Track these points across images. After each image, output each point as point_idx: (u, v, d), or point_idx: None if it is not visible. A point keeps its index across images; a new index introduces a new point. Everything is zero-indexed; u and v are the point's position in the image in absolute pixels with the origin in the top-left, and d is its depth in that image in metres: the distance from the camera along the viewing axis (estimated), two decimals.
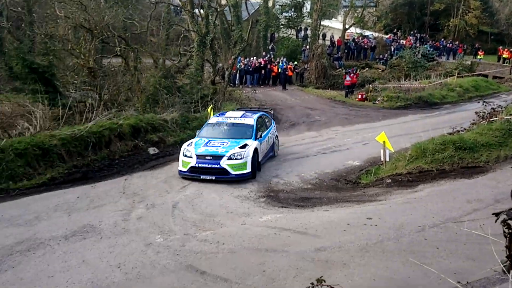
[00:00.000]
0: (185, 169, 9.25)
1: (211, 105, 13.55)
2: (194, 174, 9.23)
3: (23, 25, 20.62)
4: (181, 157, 9.44)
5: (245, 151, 9.35)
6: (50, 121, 11.14)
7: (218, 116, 11.02)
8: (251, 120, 10.58)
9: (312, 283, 2.21)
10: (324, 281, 2.16)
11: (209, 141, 9.79)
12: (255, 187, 8.89)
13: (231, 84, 21.18)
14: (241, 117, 10.76)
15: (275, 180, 9.46)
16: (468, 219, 6.63)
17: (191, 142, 9.81)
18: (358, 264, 5.36)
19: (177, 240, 6.32)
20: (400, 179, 9.04)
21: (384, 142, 9.45)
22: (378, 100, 19.99)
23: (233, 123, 10.57)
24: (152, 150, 11.54)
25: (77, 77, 15.00)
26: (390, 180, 9.05)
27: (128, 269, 5.47)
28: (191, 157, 9.25)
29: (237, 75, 23.15)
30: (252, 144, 9.68)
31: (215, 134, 10.24)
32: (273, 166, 10.47)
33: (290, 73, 24.09)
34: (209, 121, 10.82)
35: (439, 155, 9.44)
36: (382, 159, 9.73)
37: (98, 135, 10.74)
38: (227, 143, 9.65)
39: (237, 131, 10.25)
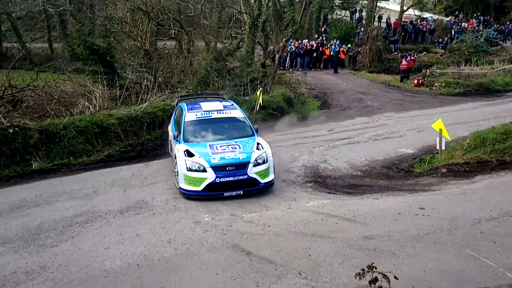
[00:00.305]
0: (199, 188, 7.06)
1: (260, 88, 13.54)
2: (214, 193, 7.14)
3: (84, 8, 21.62)
4: (183, 173, 7.10)
5: (265, 151, 7.69)
6: (108, 101, 11.70)
7: (192, 110, 8.45)
8: (238, 111, 8.74)
9: (363, 269, 2.15)
10: (375, 268, 2.09)
11: (211, 145, 7.63)
12: (302, 172, 8.83)
13: (281, 67, 20.99)
14: (224, 108, 8.65)
15: (323, 165, 9.33)
16: None
17: (186, 150, 7.44)
18: (408, 254, 5.19)
19: (224, 220, 6.45)
20: (456, 169, 8.59)
21: (440, 129, 8.98)
22: (435, 86, 19.00)
23: (223, 118, 8.45)
24: None
25: (133, 59, 15.53)
26: (445, 170, 8.62)
27: (178, 244, 5.67)
28: (205, 171, 7.10)
29: (288, 58, 22.87)
30: (262, 142, 8.10)
31: (207, 134, 8.11)
32: (322, 152, 10.32)
33: (342, 56, 23.44)
34: (188, 119, 8.18)
35: (500, 145, 8.82)
36: (437, 147, 9.26)
37: (152, 116, 11.15)
38: (235, 145, 7.73)
39: (234, 128, 8.38)
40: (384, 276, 2.00)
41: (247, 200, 7.22)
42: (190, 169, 7.10)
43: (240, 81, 14.81)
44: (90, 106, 11.16)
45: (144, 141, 10.64)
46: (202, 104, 8.72)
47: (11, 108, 10.05)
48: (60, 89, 11.72)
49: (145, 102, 11.65)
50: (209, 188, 7.12)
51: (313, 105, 16.21)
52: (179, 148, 7.54)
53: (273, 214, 6.67)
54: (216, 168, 7.16)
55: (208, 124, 8.20)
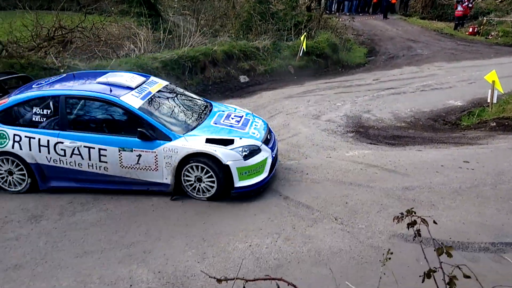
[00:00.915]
0: (265, 174, 5.54)
1: (304, 34, 13.13)
2: (273, 173, 5.81)
3: None
4: (239, 166, 5.27)
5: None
6: (152, 44, 11.80)
7: (126, 94, 5.44)
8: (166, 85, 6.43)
9: (402, 213, 2.17)
10: (415, 213, 2.11)
11: (218, 122, 5.83)
12: (344, 121, 8.72)
13: (327, 11, 20.10)
14: (149, 82, 6.09)
15: (366, 115, 9.15)
16: None
17: (207, 140, 5.32)
18: (447, 206, 5.15)
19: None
20: (506, 123, 8.17)
21: (493, 81, 8.47)
22: (491, 35, 17.64)
23: (174, 93, 6.32)
24: (242, 78, 11.77)
25: (176, 1, 15.38)
26: (494, 124, 8.22)
27: None
28: (260, 150, 5.53)
29: (334, 1, 21.80)
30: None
31: (191, 116, 5.92)
32: (365, 102, 10.07)
33: (393, 0, 22.02)
34: (137, 104, 5.33)
35: None
36: (488, 100, 8.79)
37: (194, 60, 11.20)
38: (229, 112, 6.26)
39: (191, 105, 6.28)
40: (423, 220, 2.02)
41: (285, 148, 7.30)
42: (246, 157, 5.33)
43: (284, 25, 14.40)
44: (135, 48, 11.34)
45: (186, 86, 10.78)
46: (103, 76, 5.77)
47: (61, 48, 10.41)
48: (107, 31, 11.92)
49: (187, 46, 11.67)
50: (270, 169, 5.71)
51: (359, 52, 15.61)
52: (190, 144, 5.23)
53: (311, 162, 6.73)
54: (264, 142, 5.73)
55: (171, 104, 5.94)
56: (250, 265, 4.27)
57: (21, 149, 5.43)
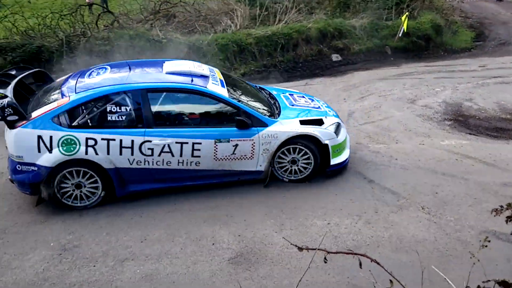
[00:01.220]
0: (348, 151, 5.71)
1: (406, 13, 12.31)
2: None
3: None
4: (334, 144, 5.31)
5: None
6: (248, 20, 12.02)
7: (204, 82, 5.03)
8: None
9: (501, 206, 2.01)
10: None
11: (295, 104, 5.78)
12: (442, 108, 8.13)
13: None
14: (210, 68, 5.67)
15: (467, 104, 8.40)
16: None
17: (301, 121, 5.30)
18: None
19: (349, 147, 6.46)
20: None
21: None
22: None
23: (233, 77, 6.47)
24: (335, 57, 11.49)
25: None
26: None
27: None
28: (341, 127, 5.63)
29: None
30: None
31: (262, 99, 5.79)
32: (468, 89, 9.24)
33: None
34: (222, 92, 5.04)
35: None
36: None
37: (287, 37, 11.18)
38: (293, 94, 6.28)
39: (254, 89, 6.13)
40: None
41: (374, 131, 7.05)
42: (337, 134, 5.40)
43: (385, 4, 13.63)
44: (232, 24, 11.65)
45: (277, 63, 10.85)
46: (165, 66, 5.24)
47: (165, 22, 11.10)
48: (207, 7, 12.39)
49: (282, 22, 11.68)
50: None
51: (465, 36, 14.23)
52: (287, 128, 5.14)
53: (402, 147, 6.43)
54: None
55: (243, 90, 5.71)
56: (327, 242, 4.29)
57: (96, 154, 4.58)
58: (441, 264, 3.90)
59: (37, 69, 5.58)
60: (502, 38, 14.04)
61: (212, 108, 5.01)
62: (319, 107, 5.91)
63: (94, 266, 3.97)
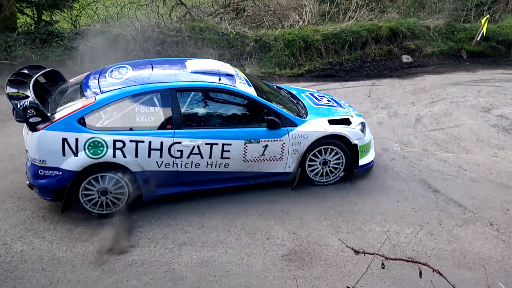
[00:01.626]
0: (373, 152, 5.67)
1: (487, 16, 11.49)
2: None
3: None
4: (362, 144, 5.24)
5: None
6: (316, 16, 11.88)
7: (230, 81, 4.91)
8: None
9: None
10: None
11: (319, 104, 5.70)
12: None
13: None
14: (234, 67, 5.60)
15: None
16: None
17: (329, 121, 5.21)
18: None
19: (415, 153, 6.20)
20: None
21: None
22: None
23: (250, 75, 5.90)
24: (405, 58, 11.02)
25: None
26: None
27: None
28: (365, 126, 5.54)
29: None
30: None
31: (284, 97, 5.70)
32: None
33: None
34: (250, 91, 4.92)
35: None
36: None
37: (356, 35, 10.90)
38: (316, 95, 6.15)
39: (276, 88, 6.07)
40: None
41: (443, 138, 6.70)
42: (364, 134, 5.33)
43: (463, 5, 12.85)
44: (299, 20, 11.58)
45: (343, 61, 10.63)
46: (188, 64, 5.08)
47: (235, 16, 11.28)
48: (276, 1, 12.41)
49: (351, 20, 11.41)
50: None
51: None
52: (317, 127, 5.02)
53: (472, 158, 6.06)
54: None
55: (268, 89, 5.62)
56: (385, 250, 4.17)
57: (124, 157, 4.33)
58: (507, 285, 3.65)
59: (50, 69, 5.25)
60: None
61: (241, 108, 4.84)
62: (342, 106, 5.82)
63: (155, 247, 4.17)
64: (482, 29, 11.27)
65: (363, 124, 5.46)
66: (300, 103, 5.59)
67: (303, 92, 6.09)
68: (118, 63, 5.32)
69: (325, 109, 5.50)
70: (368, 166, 5.44)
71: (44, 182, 4.29)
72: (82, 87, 4.63)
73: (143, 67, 4.99)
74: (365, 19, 11.53)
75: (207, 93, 4.71)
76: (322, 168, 5.20)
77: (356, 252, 2.44)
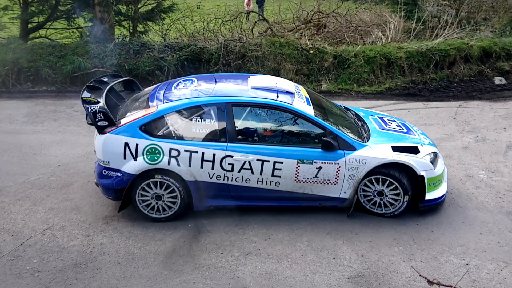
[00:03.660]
0: (446, 184, 5.12)
1: None
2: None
3: None
4: (429, 177, 4.75)
5: None
6: (401, 33, 11.50)
7: (290, 98, 4.85)
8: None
9: None
10: None
11: (386, 129, 5.34)
12: None
13: None
14: (296, 85, 5.47)
15: None
16: None
17: (393, 147, 4.85)
18: None
19: (504, 183, 5.66)
20: None
21: None
22: None
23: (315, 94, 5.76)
24: (498, 80, 10.17)
25: None
26: None
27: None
28: (437, 157, 5.08)
29: None
30: None
31: (345, 119, 5.43)
32: None
33: None
34: (309, 111, 4.78)
35: None
36: None
37: (444, 54, 10.33)
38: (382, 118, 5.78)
39: (341, 109, 5.83)
40: None
41: None
42: (435, 166, 4.86)
43: None
44: (382, 37, 11.28)
45: (428, 80, 10.09)
46: (250, 80, 5.15)
47: (315, 31, 11.32)
48: (358, 18, 12.25)
49: (439, 38, 10.83)
50: None
51: None
52: (377, 153, 4.69)
53: None
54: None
55: (329, 109, 5.38)
56: (462, 285, 3.83)
57: (178, 165, 4.51)
58: None
59: (127, 78, 5.68)
60: None
61: (296, 126, 4.75)
62: (413, 133, 5.35)
63: (221, 253, 4.27)
64: None
65: (435, 154, 4.98)
66: (365, 126, 5.29)
67: (371, 115, 5.77)
68: (189, 75, 5.57)
69: (392, 135, 5.13)
70: (438, 201, 4.90)
71: (106, 181, 4.62)
72: (149, 97, 4.89)
73: (207, 81, 5.15)
74: (455, 38, 10.87)
75: (262, 110, 4.72)
76: (380, 199, 4.82)
77: (430, 283, 2.30)
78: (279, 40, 10.23)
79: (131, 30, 11.85)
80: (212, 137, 4.57)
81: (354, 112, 5.81)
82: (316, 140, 4.68)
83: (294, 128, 4.77)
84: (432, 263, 4.13)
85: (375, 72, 10.23)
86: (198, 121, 4.58)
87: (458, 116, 8.19)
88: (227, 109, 4.58)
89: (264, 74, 9.47)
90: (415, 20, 11.52)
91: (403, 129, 5.41)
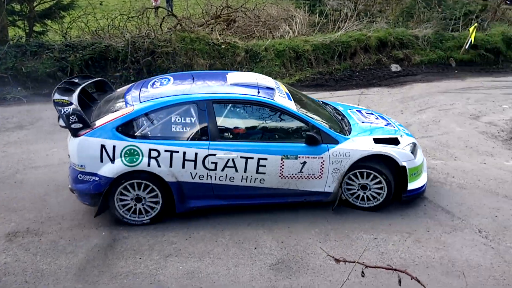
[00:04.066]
0: (426, 175, 5.23)
1: (475, 24, 11.66)
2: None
3: None
4: (412, 167, 4.86)
5: None
6: (306, 27, 11.99)
7: (270, 94, 4.80)
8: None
9: None
10: None
11: (364, 120, 5.46)
12: (509, 126, 7.59)
13: (508, 1, 17.39)
14: (275, 81, 5.40)
15: None
16: None
17: (375, 139, 4.92)
18: None
19: None
20: None
21: None
22: None
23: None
24: (394, 67, 11.12)
25: None
26: None
27: None
28: (416, 147, 5.19)
29: None
30: None
31: (323, 112, 5.46)
32: None
33: None
34: (289, 105, 4.78)
35: None
36: None
37: (346, 45, 11.01)
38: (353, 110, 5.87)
39: (320, 104, 5.87)
40: None
41: (432, 146, 6.73)
42: (415, 156, 4.96)
43: (451, 14, 13.03)
44: (290, 31, 11.67)
45: (333, 70, 10.70)
46: (229, 77, 5.04)
47: (225, 26, 11.34)
48: (266, 12, 12.52)
49: (340, 30, 11.52)
50: None
51: None
52: (360, 146, 4.74)
53: (460, 165, 6.08)
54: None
55: (309, 104, 5.41)
56: (372, 257, 4.15)
57: (159, 166, 4.37)
58: None
59: (99, 78, 5.46)
60: None
61: (278, 122, 4.71)
62: (392, 125, 5.48)
63: (140, 258, 4.12)
64: (470, 37, 11.42)
65: (414, 144, 5.07)
66: (345, 119, 5.31)
67: (350, 109, 5.82)
68: (162, 75, 5.37)
69: (372, 127, 5.18)
70: (420, 191, 4.99)
71: (82, 186, 4.41)
72: (124, 97, 4.72)
73: (184, 79, 5.04)
74: (354, 30, 11.64)
75: (244, 106, 4.65)
76: (364, 193, 4.89)
77: (337, 261, 2.42)
78: (190, 36, 10.08)
79: (27, 30, 10.85)
80: (194, 136, 4.46)
81: (332, 106, 5.82)
82: (299, 135, 4.67)
83: (277, 124, 4.73)
84: (345, 241, 4.41)
85: (285, 65, 10.57)
86: (178, 119, 4.44)
87: (361, 102, 8.79)
88: (207, 106, 4.48)
89: (176, 70, 9.34)
90: (317, 14, 12.09)
91: (381, 121, 5.48)
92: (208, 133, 4.46)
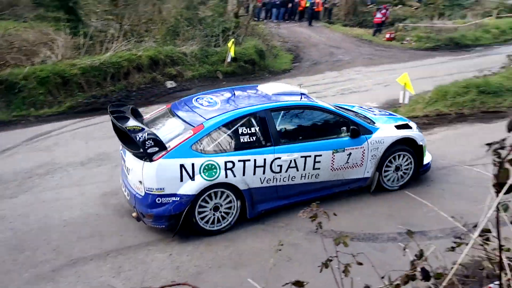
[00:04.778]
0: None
1: (232, 40, 13.25)
2: None
3: None
4: (424, 143, 5.91)
5: None
6: (71, 50, 11.23)
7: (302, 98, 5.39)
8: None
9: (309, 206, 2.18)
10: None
11: (360, 107, 6.63)
12: None
13: (255, 18, 20.47)
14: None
15: None
16: (480, 163, 6.50)
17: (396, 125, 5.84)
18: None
19: None
20: (415, 122, 8.83)
21: (405, 83, 9.12)
22: (406, 41, 19.01)
23: None
24: (169, 84, 11.59)
25: (99, 6, 14.79)
26: None
27: None
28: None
29: (262, 8, 22.28)
30: None
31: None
32: None
33: (319, 8, 22.99)
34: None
35: (460, 98, 9.13)
36: (400, 101, 9.44)
37: (117, 66, 10.83)
38: None
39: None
40: (325, 212, 2.07)
41: None
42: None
43: (212, 31, 14.42)
44: (52, 55, 10.70)
45: (108, 92, 10.39)
46: (263, 88, 5.60)
47: None
48: (21, 38, 11.12)
49: (109, 51, 11.26)
50: None
51: (285, 59, 16.02)
52: (389, 133, 5.54)
53: None
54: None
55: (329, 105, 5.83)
56: (169, 275, 4.19)
57: (234, 176, 4.67)
58: (276, 271, 4.19)
59: (131, 106, 5.37)
60: (314, 58, 16.26)
61: (324, 121, 5.30)
62: (393, 115, 6.44)
63: None
64: (229, 51, 12.89)
65: (418, 127, 6.12)
66: (361, 115, 5.99)
67: (353, 107, 6.46)
68: (198, 93, 5.69)
69: (386, 118, 6.06)
70: (428, 166, 5.99)
71: (161, 210, 4.49)
72: (181, 117, 4.92)
73: (225, 94, 5.48)
74: (124, 50, 11.55)
75: (294, 111, 5.16)
76: (397, 174, 5.69)
77: None
78: None
79: None
80: (260, 143, 4.84)
81: (341, 106, 6.23)
82: (341, 130, 5.30)
83: (323, 123, 5.29)
84: (141, 267, 4.31)
85: (52, 93, 9.67)
86: (244, 130, 4.78)
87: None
88: (267, 115, 4.92)
89: None
90: (82, 36, 11.49)
91: (386, 113, 6.48)
92: (271, 139, 4.89)
